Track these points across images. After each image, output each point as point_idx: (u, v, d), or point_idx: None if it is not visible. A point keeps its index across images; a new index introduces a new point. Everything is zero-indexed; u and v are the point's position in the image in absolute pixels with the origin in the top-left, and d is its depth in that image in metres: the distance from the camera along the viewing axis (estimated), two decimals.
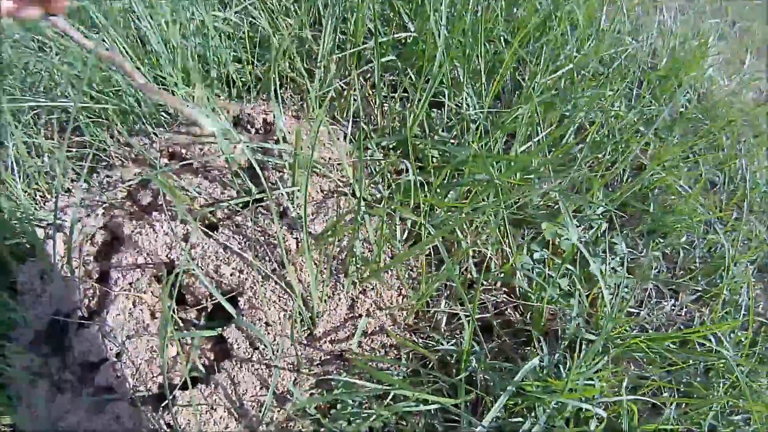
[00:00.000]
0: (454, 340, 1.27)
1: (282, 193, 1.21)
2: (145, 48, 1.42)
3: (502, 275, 1.34)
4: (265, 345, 1.11)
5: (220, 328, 1.13)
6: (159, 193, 1.30)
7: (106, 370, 1.14)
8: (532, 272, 1.36)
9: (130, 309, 1.16)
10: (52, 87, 1.54)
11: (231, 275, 1.14)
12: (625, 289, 1.41)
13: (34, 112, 1.50)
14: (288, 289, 1.13)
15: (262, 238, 1.18)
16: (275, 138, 1.33)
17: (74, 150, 1.46)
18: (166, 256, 1.18)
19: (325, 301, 1.15)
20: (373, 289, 1.21)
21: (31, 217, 1.40)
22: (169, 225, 1.21)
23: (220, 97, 1.45)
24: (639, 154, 1.62)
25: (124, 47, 1.37)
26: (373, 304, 1.20)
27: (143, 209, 1.31)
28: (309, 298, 1.14)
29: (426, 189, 1.36)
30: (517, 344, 1.34)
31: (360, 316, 1.18)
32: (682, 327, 1.45)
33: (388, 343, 1.22)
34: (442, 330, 1.29)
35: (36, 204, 1.45)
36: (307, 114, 1.43)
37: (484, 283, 1.35)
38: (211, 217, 1.23)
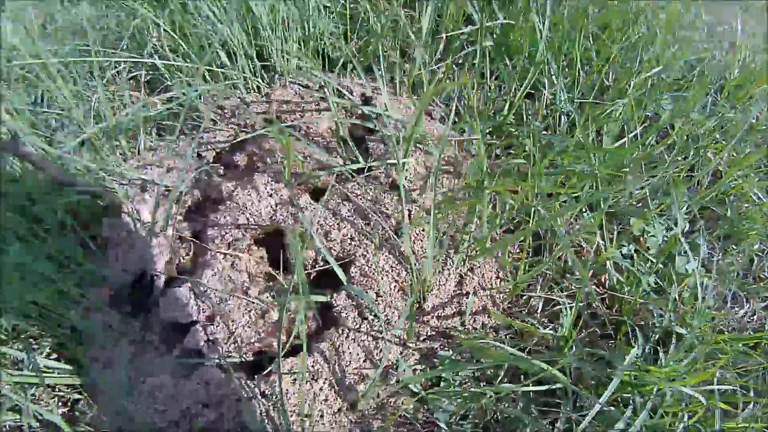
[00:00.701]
0: (550, 326, 1.22)
1: (393, 164, 1.15)
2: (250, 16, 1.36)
3: (595, 266, 1.30)
4: (375, 315, 1.05)
5: (329, 295, 1.06)
6: (255, 156, 1.24)
7: (196, 332, 1.07)
8: (621, 265, 1.32)
9: (227, 270, 1.09)
10: (139, 43, 1.47)
11: (341, 242, 1.08)
12: (706, 290, 1.38)
13: (116, 69, 1.43)
14: (402, 260, 1.07)
15: (373, 206, 1.12)
16: (374, 112, 1.28)
17: (160, 109, 1.39)
18: (270, 218, 1.12)
19: (435, 275, 1.09)
20: (478, 268, 1.16)
21: (114, 173, 1.32)
22: (273, 187, 1.14)
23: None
24: (713, 159, 1.61)
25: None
26: (477, 284, 1.15)
27: (240, 171, 1.24)
28: (421, 271, 1.08)
29: (519, 176, 1.32)
30: (603, 335, 1.30)
31: (467, 294, 1.12)
32: (751, 332, 1.43)
33: (488, 324, 1.17)
34: (538, 315, 1.24)
35: (118, 161, 1.37)
36: (404, 92, 1.38)
37: (576, 273, 1.31)
38: (318, 183, 1.16)
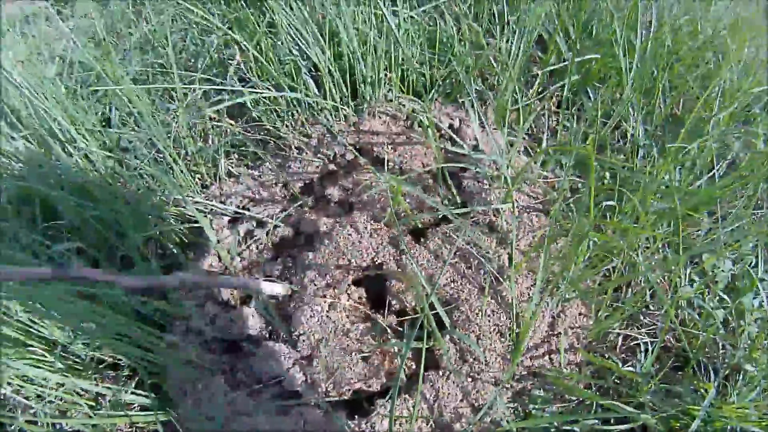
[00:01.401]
0: (629, 363, 1.24)
1: (490, 207, 1.14)
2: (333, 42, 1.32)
3: (670, 301, 1.31)
4: (476, 359, 1.05)
5: (432, 339, 1.07)
6: (349, 190, 1.22)
7: (294, 373, 1.07)
8: (693, 301, 1.33)
9: (325, 312, 1.08)
10: (216, 64, 1.42)
11: (445, 285, 1.07)
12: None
13: (194, 91, 1.39)
14: (502, 305, 1.07)
15: (472, 249, 1.11)
16: (465, 144, 1.26)
17: (242, 134, 1.35)
18: (372, 259, 1.10)
19: (531, 317, 1.10)
20: (569, 308, 1.16)
21: (193, 202, 1.30)
22: (373, 226, 1.13)
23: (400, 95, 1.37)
24: None
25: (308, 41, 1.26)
26: (568, 324, 1.15)
27: (333, 206, 1.23)
28: (521, 315, 1.08)
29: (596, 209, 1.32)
30: (672, 368, 1.32)
31: (558, 334, 1.13)
32: None
33: (574, 361, 1.18)
34: (617, 351, 1.25)
35: (195, 187, 1.35)
36: (489, 122, 1.35)
37: (652, 308, 1.32)
38: (417, 223, 1.15)
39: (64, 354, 1.08)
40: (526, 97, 1.39)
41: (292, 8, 1.28)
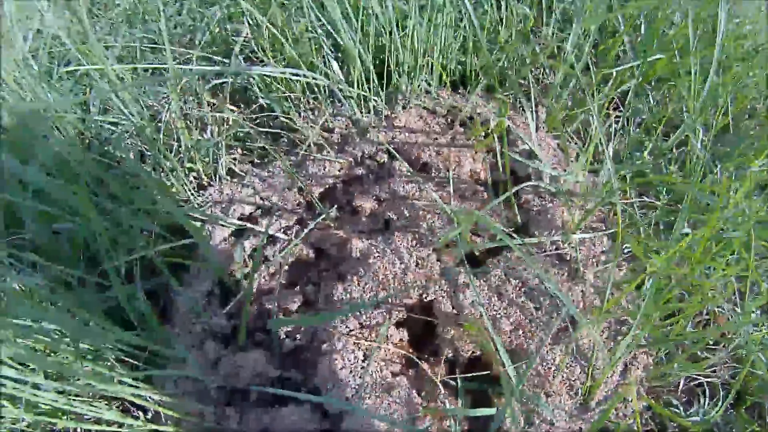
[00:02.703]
0: (691, 408, 1.05)
1: (562, 235, 0.90)
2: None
3: (731, 336, 1.12)
4: (543, 420, 0.82)
5: (494, 406, 0.83)
6: (385, 202, 0.95)
7: None
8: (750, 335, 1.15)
9: (360, 359, 0.83)
10: (216, 41, 1.10)
11: (511, 331, 0.83)
12: None
13: (197, 76, 1.07)
14: (576, 355, 0.84)
15: (541, 285, 0.87)
16: (519, 150, 1.01)
17: (248, 126, 1.06)
18: (420, 295, 0.85)
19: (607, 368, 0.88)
20: (639, 354, 0.95)
21: (186, 206, 1.01)
22: (420, 253, 0.87)
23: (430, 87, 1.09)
24: None
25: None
26: (638, 369, 0.94)
27: (362, 221, 0.96)
28: (597, 367, 0.86)
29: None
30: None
31: (627, 384, 0.91)
32: None
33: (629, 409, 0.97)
34: (679, 394, 1.06)
35: (191, 184, 1.05)
36: (542, 124, 1.10)
37: (710, 343, 1.13)
38: (475, 251, 0.90)
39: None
40: (581, 98, 1.14)
41: None
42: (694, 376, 1.07)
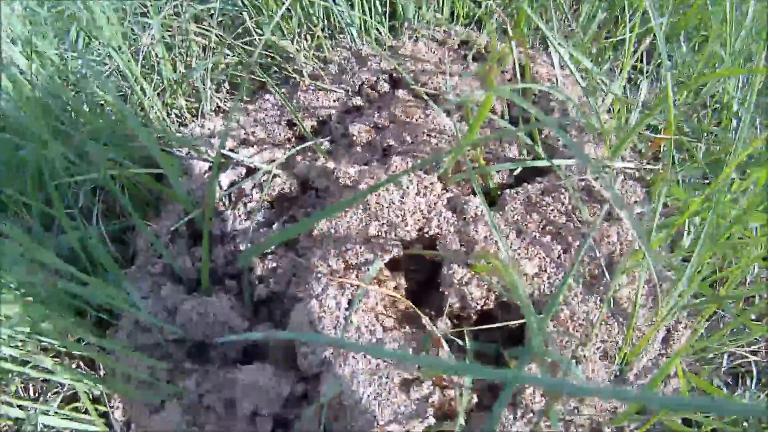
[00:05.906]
0: (735, 389, 0.81)
1: (597, 170, 0.67)
2: None
3: None
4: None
5: (509, 363, 0.60)
6: (383, 128, 0.74)
7: (292, 399, 0.60)
8: None
9: (344, 306, 0.60)
10: None
11: (534, 276, 0.60)
12: None
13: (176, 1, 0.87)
14: (613, 311, 0.61)
15: (567, 222, 0.64)
16: (539, 93, 0.79)
17: (239, 56, 0.85)
18: (420, 230, 0.63)
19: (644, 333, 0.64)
20: (683, 319, 0.71)
21: (169, 142, 0.80)
22: (423, 181, 0.65)
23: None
24: None
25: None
26: (683, 338, 0.70)
27: (358, 150, 0.74)
28: (637, 327, 0.62)
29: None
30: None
31: (667, 356, 0.68)
32: None
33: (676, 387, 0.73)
34: (722, 373, 0.81)
35: (173, 123, 0.85)
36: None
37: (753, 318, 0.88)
38: (490, 179, 0.68)
39: None
40: (607, 36, 0.92)
41: None
42: (738, 352, 0.83)
